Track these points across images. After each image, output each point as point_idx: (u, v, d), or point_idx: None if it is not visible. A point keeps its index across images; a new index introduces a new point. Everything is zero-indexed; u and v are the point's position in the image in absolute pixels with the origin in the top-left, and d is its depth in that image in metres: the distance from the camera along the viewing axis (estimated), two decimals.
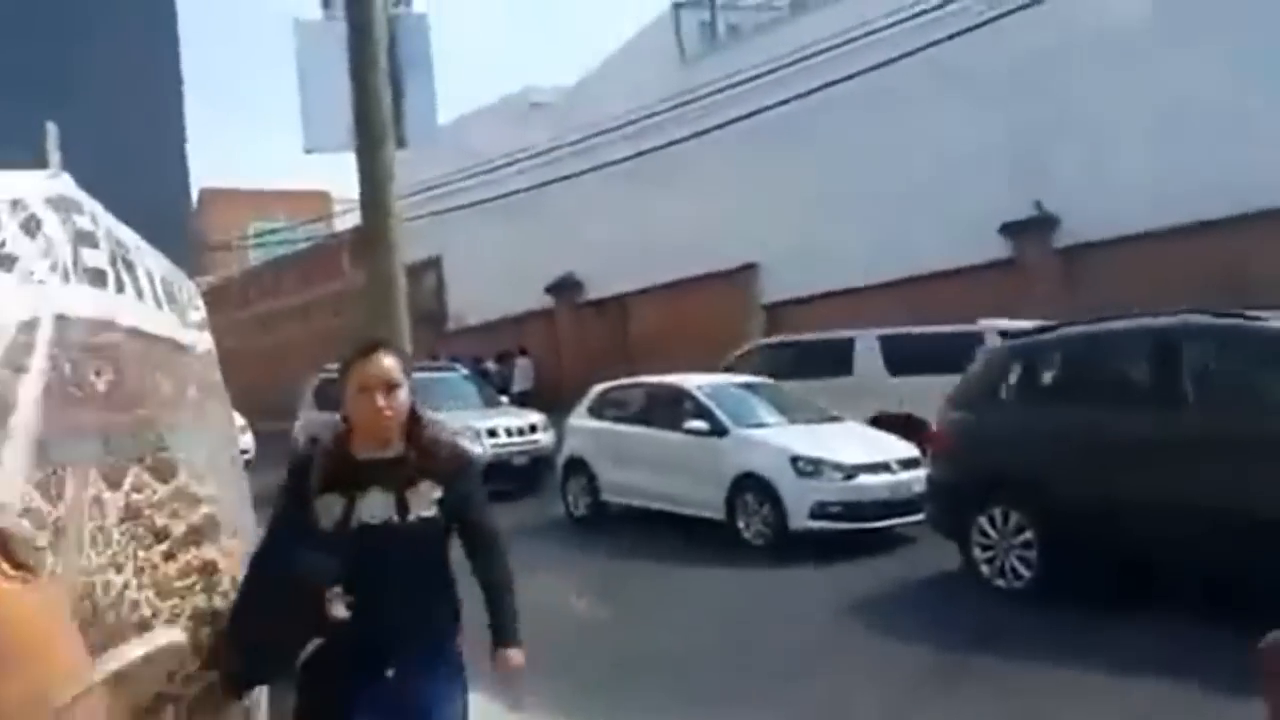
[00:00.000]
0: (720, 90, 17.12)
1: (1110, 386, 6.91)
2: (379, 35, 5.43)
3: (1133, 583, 6.26)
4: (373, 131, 5.38)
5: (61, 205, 2.31)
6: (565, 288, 21.99)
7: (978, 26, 13.63)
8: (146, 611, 2.41)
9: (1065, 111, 14.02)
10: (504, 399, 15.10)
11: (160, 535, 2.59)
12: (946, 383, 7.92)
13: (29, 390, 2.03)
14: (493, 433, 12.60)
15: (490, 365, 20.37)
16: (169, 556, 2.63)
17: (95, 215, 2.43)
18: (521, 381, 19.86)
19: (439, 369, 14.78)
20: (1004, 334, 9.66)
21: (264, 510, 3.01)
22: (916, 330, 11.96)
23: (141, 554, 2.47)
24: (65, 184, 2.36)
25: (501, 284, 22.02)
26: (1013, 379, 7.37)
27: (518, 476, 12.61)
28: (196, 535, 2.76)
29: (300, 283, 28.81)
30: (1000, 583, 6.78)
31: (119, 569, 2.29)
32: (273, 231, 29.30)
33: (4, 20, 43.72)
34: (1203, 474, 5.76)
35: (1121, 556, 6.30)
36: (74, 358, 2.19)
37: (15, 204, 2.16)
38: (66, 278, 2.22)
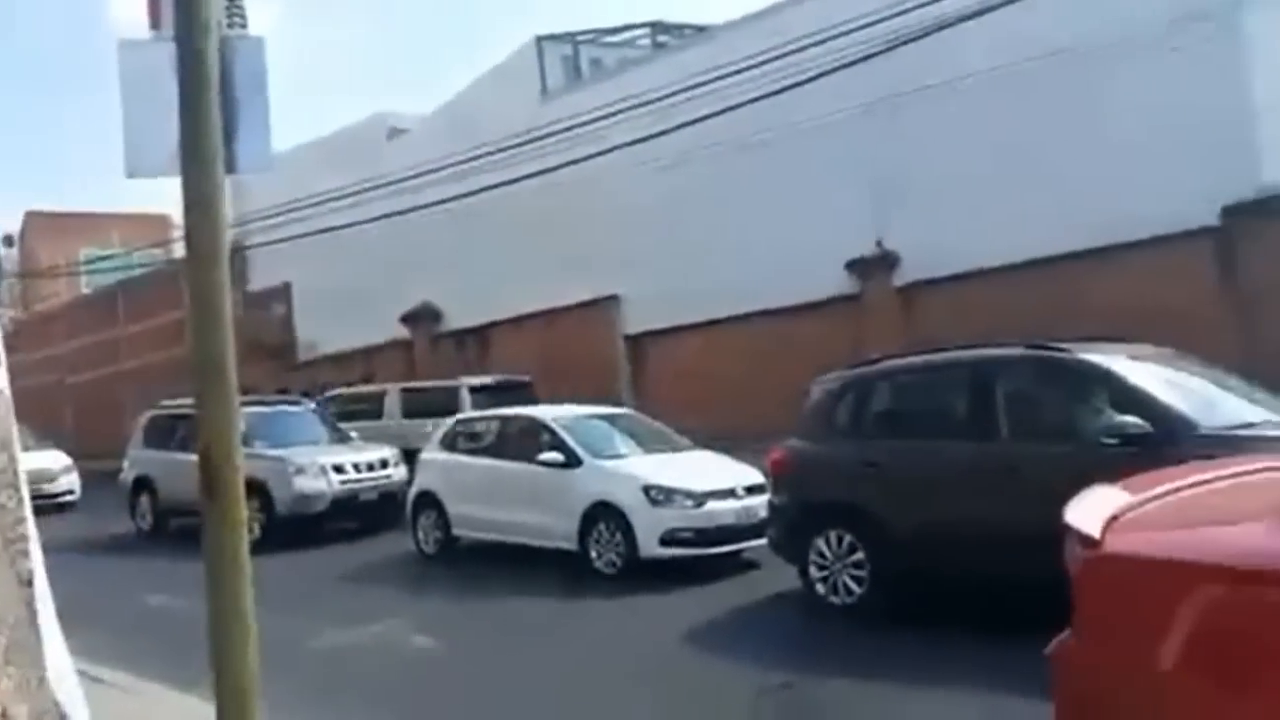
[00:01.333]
0: (582, 125, 17.33)
1: (932, 415, 7.34)
2: (211, 58, 5.30)
3: (957, 597, 6.62)
4: (201, 156, 5.22)
5: None
6: (422, 317, 21.64)
7: (831, 71, 14.27)
8: None
9: (912, 155, 14.79)
10: (353, 434, 14.73)
11: None
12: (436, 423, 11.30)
13: None
14: (339, 468, 12.27)
15: (330, 397, 19.85)
16: None
17: None
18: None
19: (286, 403, 14.30)
20: (473, 388, 15.70)
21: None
22: (419, 385, 17.24)
23: None
24: None
25: (356, 313, 21.51)
26: (844, 409, 7.74)
27: (367, 513, 12.33)
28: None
29: (137, 312, 27.28)
30: (835, 600, 7.11)
31: None
32: (106, 257, 27.62)
33: None
34: (1013, 496, 6.16)
35: (944, 574, 6.68)
36: None
37: None
38: None
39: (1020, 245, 13.43)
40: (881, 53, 13.85)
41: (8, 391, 3.06)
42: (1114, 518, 2.75)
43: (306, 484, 11.90)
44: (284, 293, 23.10)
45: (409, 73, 58.76)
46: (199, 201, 5.33)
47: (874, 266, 15.64)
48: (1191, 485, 3.00)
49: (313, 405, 15.10)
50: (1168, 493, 2.93)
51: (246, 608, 4.54)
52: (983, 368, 6.91)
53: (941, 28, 12.62)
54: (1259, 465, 3.23)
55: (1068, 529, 2.86)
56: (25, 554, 2.87)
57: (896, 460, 7.04)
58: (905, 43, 13.06)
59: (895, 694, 5.48)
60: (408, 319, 21.70)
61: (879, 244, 15.55)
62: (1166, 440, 5.50)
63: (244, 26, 6.00)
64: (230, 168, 5.56)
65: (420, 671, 6.63)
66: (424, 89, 61.98)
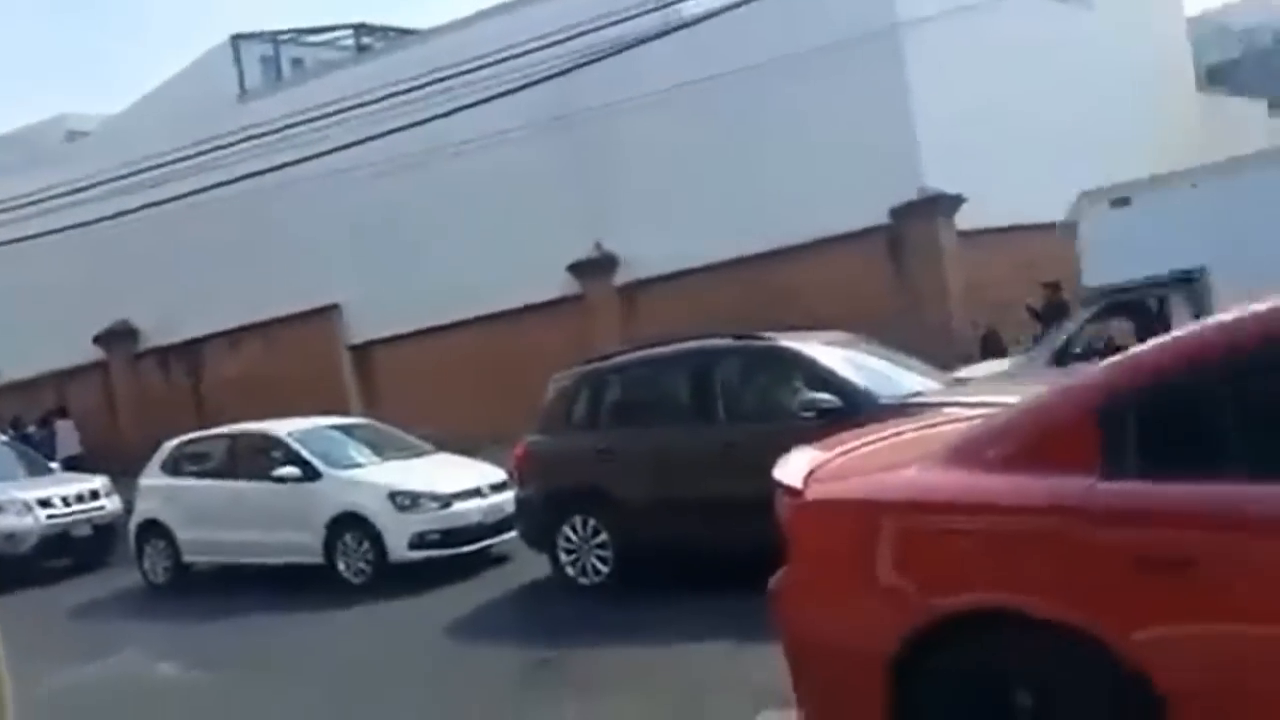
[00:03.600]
0: (282, 129, 16.76)
1: (659, 404, 8.12)
2: None
3: (692, 567, 7.40)
4: None
5: None
6: (118, 336, 19.94)
7: (550, 78, 14.86)
8: None
9: (623, 163, 15.72)
10: (54, 465, 13.47)
11: None
12: None
13: None
14: (46, 503, 11.26)
15: (33, 429, 17.91)
16: None
17: None
18: (66, 446, 17.67)
19: None
20: None
21: None
22: None
23: None
24: None
25: (43, 335, 19.43)
26: (580, 403, 8.34)
27: (81, 548, 11.42)
28: None
29: None
30: (584, 581, 7.68)
31: None
32: None
33: None
34: (731, 471, 6.92)
35: (678, 547, 7.43)
36: None
37: None
38: None
39: (722, 247, 14.80)
40: (580, 66, 14.68)
41: None
42: (811, 472, 3.47)
43: (8, 522, 10.85)
44: None
45: (88, 73, 53.02)
46: None
47: (594, 268, 16.51)
48: (868, 444, 3.78)
49: (4, 437, 13.64)
50: (850, 450, 3.70)
51: None
52: (700, 358, 7.76)
53: (634, 44, 13.61)
54: (918, 424, 4.08)
55: (776, 484, 3.53)
56: None
57: (630, 446, 7.71)
58: (601, 58, 13.94)
59: (647, 655, 6.07)
60: (101, 339, 19.91)
61: (598, 246, 16.44)
62: (852, 411, 6.43)
63: None
64: None
65: (171, 699, 6.48)
66: (105, 90, 56.08)
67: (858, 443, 3.78)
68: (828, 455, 3.63)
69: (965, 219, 14.18)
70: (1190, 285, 9.84)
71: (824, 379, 7.03)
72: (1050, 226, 12.38)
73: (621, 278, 16.48)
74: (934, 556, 3.11)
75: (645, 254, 15.74)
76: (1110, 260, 10.36)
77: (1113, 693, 2.75)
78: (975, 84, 13.93)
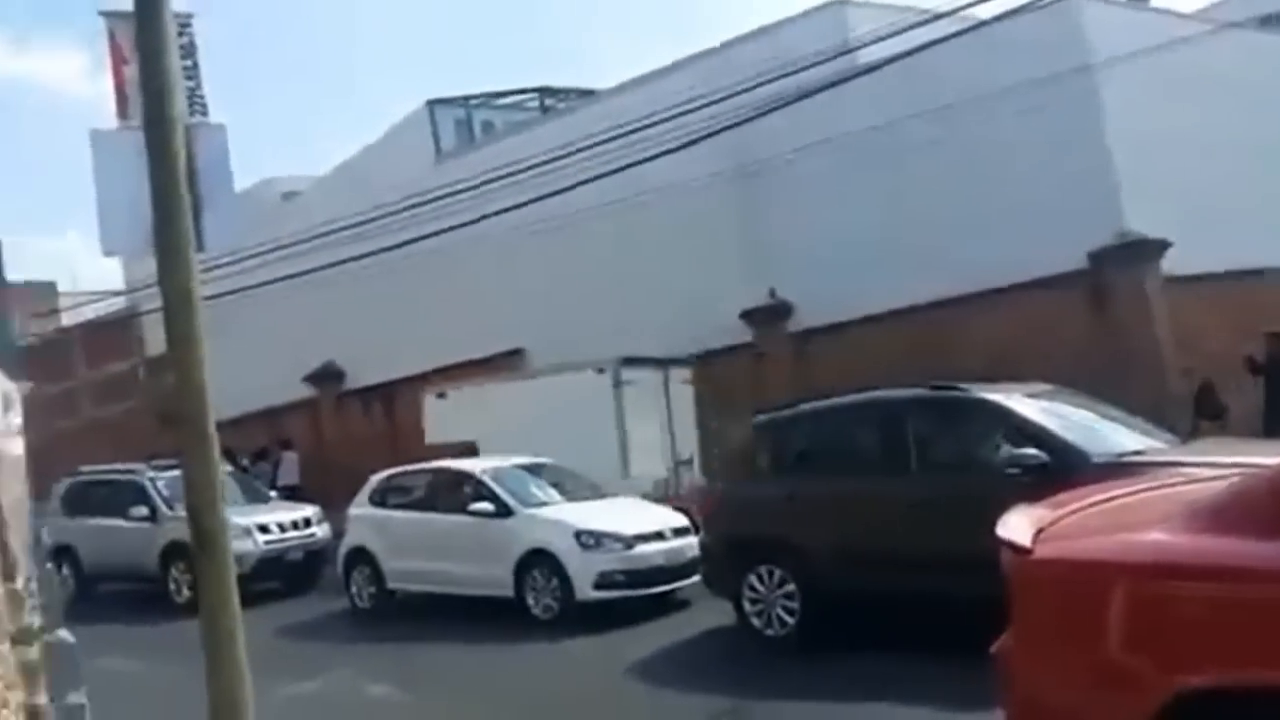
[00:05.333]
0: (476, 186, 17.80)
1: (847, 453, 8.02)
2: (177, 145, 5.58)
3: (881, 621, 7.24)
4: (174, 235, 5.49)
5: None
6: (326, 377, 21.51)
7: (712, 134, 15.19)
8: None
9: (796, 210, 15.81)
10: (272, 494, 14.60)
11: (6, 630, 2.75)
12: None
13: None
14: (264, 528, 12.22)
15: (246, 461, 19.49)
16: (13, 650, 2.79)
17: None
18: (287, 475, 19.12)
19: None
20: None
21: None
22: None
23: None
24: None
25: (257, 377, 21.19)
26: (765, 450, 8.39)
27: (293, 572, 12.28)
28: (25, 634, 2.89)
29: (26, 381, 25.95)
30: (770, 632, 7.62)
31: None
32: None
33: None
34: (926, 525, 6.83)
35: (869, 602, 7.28)
36: None
37: None
38: None
39: (902, 293, 14.55)
40: (757, 116, 14.92)
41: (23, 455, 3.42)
42: (1040, 530, 3.33)
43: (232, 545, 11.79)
44: None
45: (293, 141, 58.08)
46: (174, 283, 5.61)
47: (768, 315, 16.55)
48: (1098, 503, 3.60)
49: (229, 468, 14.90)
50: (1081, 509, 3.53)
51: (239, 652, 4.84)
52: (893, 407, 7.64)
53: (815, 91, 13.70)
54: (1150, 485, 3.87)
55: (1001, 542, 3.39)
56: (36, 609, 3.28)
57: (817, 496, 7.63)
58: (777, 107, 14.10)
59: (832, 714, 5.98)
60: (311, 378, 21.52)
61: (772, 293, 16.47)
62: (1062, 468, 6.14)
63: (205, 114, 6.35)
64: (200, 245, 5.88)
65: (379, 716, 6.87)
66: (308, 157, 61.31)
67: (1086, 501, 3.61)
68: (1055, 513, 3.47)
69: (1171, 264, 13.39)
70: None
71: (1029, 434, 6.78)
72: (1265, 272, 11.55)
73: (795, 325, 16.45)
74: (1182, 626, 2.88)
75: (821, 301, 15.66)
76: None
77: None
78: (1176, 120, 13.22)
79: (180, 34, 5.85)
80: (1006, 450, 6.75)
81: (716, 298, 16.30)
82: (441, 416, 15.33)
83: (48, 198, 63.08)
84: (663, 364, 14.64)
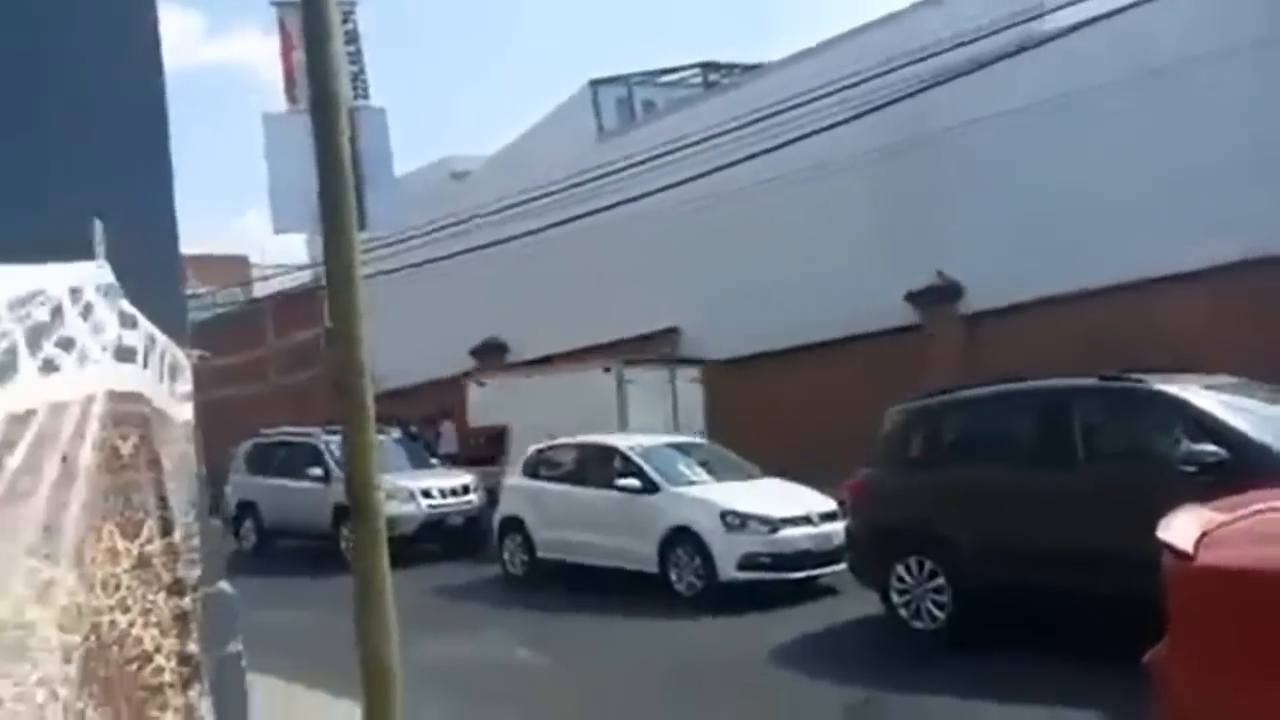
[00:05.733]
0: (635, 165, 17.89)
1: (1008, 444, 7.57)
2: (341, 128, 5.85)
3: (1035, 618, 6.86)
4: (338, 216, 5.76)
5: (109, 292, 2.69)
6: (490, 350, 22.29)
7: (877, 108, 14.64)
8: (149, 647, 2.73)
9: (975, 181, 15.07)
10: (434, 461, 15.30)
11: (163, 582, 2.93)
12: None
13: (87, 457, 2.41)
14: (427, 493, 12.81)
15: (415, 429, 20.51)
16: (168, 600, 2.97)
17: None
18: (446, 444, 20.00)
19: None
20: None
21: None
22: None
23: (149, 597, 2.81)
24: (108, 273, 2.74)
25: (425, 349, 22.19)
26: (919, 438, 8.05)
27: (452, 536, 12.83)
28: (179, 586, 3.08)
29: (222, 349, 28.33)
30: (918, 624, 7.35)
31: (125, 610, 2.63)
32: (193, 297, 28.87)
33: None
34: (1092, 521, 6.40)
35: (1022, 597, 6.91)
36: (112, 425, 2.56)
37: (74, 292, 2.54)
38: (112, 356, 2.59)
39: (1082, 274, 13.64)
40: (930, 87, 14.25)
41: (192, 420, 3.64)
42: (1204, 534, 3.06)
43: (397, 507, 12.49)
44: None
45: (467, 122, 60.55)
46: (338, 261, 5.89)
47: (935, 296, 15.88)
48: (1274, 508, 3.25)
49: (397, 435, 15.74)
50: (1253, 513, 3.22)
51: (388, 611, 5.07)
52: (1058, 398, 7.19)
53: (990, 62, 12.97)
54: None
55: (1162, 545, 3.15)
56: (194, 563, 3.50)
57: (973, 486, 7.28)
58: (952, 78, 13.42)
59: (980, 710, 5.72)
60: (476, 352, 22.36)
61: (940, 274, 15.78)
62: (1244, 467, 5.66)
63: (368, 98, 6.61)
64: (363, 225, 6.15)
65: (529, 680, 7.13)
66: (480, 136, 63.70)
67: (1261, 506, 3.28)
68: (1224, 517, 3.20)
69: None
70: None
71: (1207, 428, 6.26)
72: None
73: (966, 308, 15.72)
74: None
75: (992, 282, 14.89)
76: None
77: None
78: None
79: (344, 20, 6.09)
80: (1184, 446, 6.25)
81: (877, 278, 15.78)
82: (483, 402, 17.07)
83: (234, 178, 68.11)
84: (670, 363, 16.54)
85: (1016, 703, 5.68)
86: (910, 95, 13.99)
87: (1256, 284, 12.31)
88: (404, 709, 4.95)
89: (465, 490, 13.28)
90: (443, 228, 20.69)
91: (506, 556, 11.20)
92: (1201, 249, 12.35)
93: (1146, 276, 13.02)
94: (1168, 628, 3.07)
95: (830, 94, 15.39)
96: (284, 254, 29.11)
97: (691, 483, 10.26)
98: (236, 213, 68.59)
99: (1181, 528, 3.15)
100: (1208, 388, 6.76)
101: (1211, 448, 6.09)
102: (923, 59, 13.69)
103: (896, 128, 14.67)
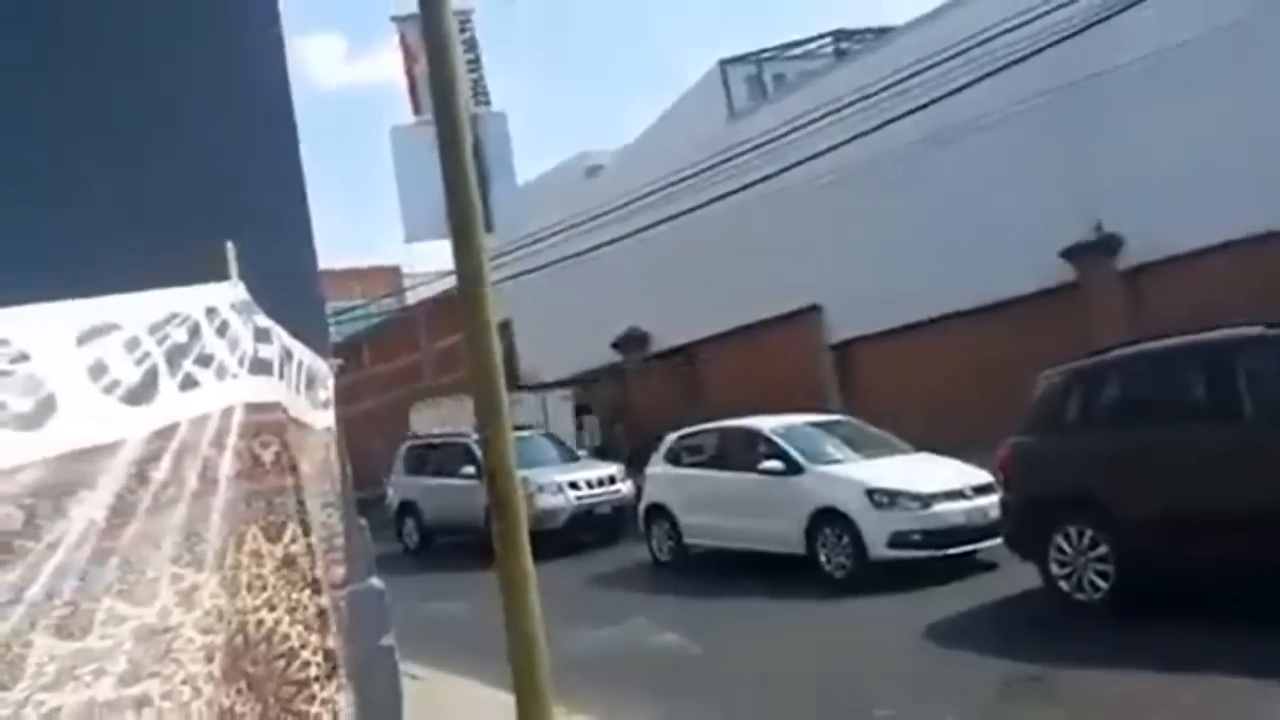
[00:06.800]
0: (767, 142, 17.63)
1: (1168, 403, 7.09)
2: (464, 134, 6.05)
3: (1205, 588, 6.43)
4: (465, 222, 5.96)
5: (243, 309, 2.87)
6: (631, 341, 22.56)
7: (1015, 62, 13.90)
8: (296, 644, 2.90)
9: (1110, 138, 14.18)
10: (581, 453, 15.66)
11: (308, 580, 3.10)
12: None
13: (228, 466, 2.58)
14: (575, 485, 13.13)
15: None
16: (312, 598, 3.14)
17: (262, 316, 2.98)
18: (591, 437, 20.45)
19: (518, 428, 15.44)
20: None
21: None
22: None
23: (294, 595, 2.97)
24: (243, 291, 2.93)
25: (567, 342, 22.70)
26: (1074, 402, 7.62)
27: (601, 525, 13.10)
28: (318, 585, 3.25)
29: (378, 356, 29.95)
30: (1080, 596, 7.01)
31: (272, 608, 2.80)
32: (351, 309, 30.61)
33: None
34: (1263, 480, 5.96)
35: (1191, 564, 6.50)
36: (251, 434, 2.73)
37: (210, 311, 2.72)
38: (248, 370, 2.77)
39: (1251, 222, 12.59)
40: (1069, 37, 13.40)
41: (334, 426, 3.82)
42: None
43: (547, 500, 12.87)
44: (505, 327, 24.75)
45: (601, 115, 61.43)
46: (467, 266, 6.10)
47: (1093, 251, 14.99)
48: None
49: (544, 430, 16.20)
50: None
51: (533, 607, 5.24)
52: (1221, 351, 6.70)
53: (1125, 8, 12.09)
54: None
55: None
56: (339, 561, 3.68)
57: (1134, 449, 6.87)
58: (1094, 24, 12.58)
59: (1151, 684, 5.42)
60: (618, 344, 22.68)
61: (1098, 227, 14.87)
62: None
63: (488, 104, 6.81)
64: (489, 227, 6.34)
65: (673, 664, 7.19)
66: (617, 128, 64.49)
67: None
68: None
69: None
70: None
71: None
72: None
73: (1126, 261, 14.77)
74: None
75: (1155, 234, 13.92)
76: None
77: None
78: None
79: (462, 30, 6.31)
80: None
81: (1032, 235, 15.02)
82: (423, 419, 21.27)
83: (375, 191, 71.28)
84: (541, 389, 21.38)
85: (1186, 672, 5.38)
86: (1068, 38, 13.22)
87: None
88: (551, 695, 5.12)
89: (611, 480, 13.52)
90: (577, 225, 21.06)
91: (654, 543, 11.32)
92: None
93: None
94: None
95: (967, 50, 14.75)
96: (433, 261, 30.35)
97: (836, 461, 10.07)
98: (393, 225, 72.01)
99: None
100: None
101: None
102: (1052, 10, 12.93)
103: (1035, 83, 13.92)
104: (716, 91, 21.36)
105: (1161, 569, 6.65)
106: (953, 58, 14.79)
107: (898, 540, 8.92)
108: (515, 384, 24.44)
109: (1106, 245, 14.87)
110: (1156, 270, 14.11)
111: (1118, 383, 7.56)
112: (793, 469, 9.89)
